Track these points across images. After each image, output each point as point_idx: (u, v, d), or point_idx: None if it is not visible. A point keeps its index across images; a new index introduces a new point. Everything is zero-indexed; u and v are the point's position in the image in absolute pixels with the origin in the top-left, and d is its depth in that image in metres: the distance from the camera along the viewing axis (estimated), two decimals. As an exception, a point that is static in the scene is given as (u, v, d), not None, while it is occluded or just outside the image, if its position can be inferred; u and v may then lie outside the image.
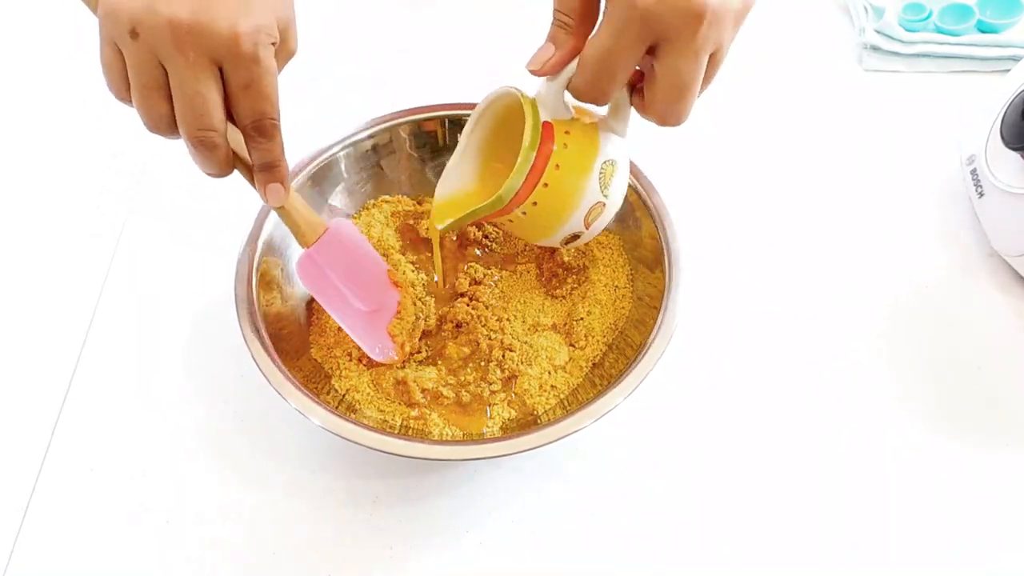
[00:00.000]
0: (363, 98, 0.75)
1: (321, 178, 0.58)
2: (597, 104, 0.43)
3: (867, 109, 0.74)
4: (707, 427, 0.55)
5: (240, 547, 0.50)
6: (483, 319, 0.56)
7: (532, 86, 0.45)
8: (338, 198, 0.60)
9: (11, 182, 0.70)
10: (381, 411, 0.52)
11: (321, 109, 0.70)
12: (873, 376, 0.56)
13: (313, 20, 0.75)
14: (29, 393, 0.57)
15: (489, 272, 0.59)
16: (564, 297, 0.58)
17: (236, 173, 0.45)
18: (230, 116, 0.42)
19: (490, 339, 0.55)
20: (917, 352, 0.58)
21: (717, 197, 0.67)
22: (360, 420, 0.49)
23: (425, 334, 0.56)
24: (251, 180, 0.46)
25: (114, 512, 0.52)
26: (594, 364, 0.54)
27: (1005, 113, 0.59)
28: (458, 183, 0.51)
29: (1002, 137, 0.59)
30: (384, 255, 0.58)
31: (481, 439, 0.50)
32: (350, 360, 0.54)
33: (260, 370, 0.48)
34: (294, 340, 0.54)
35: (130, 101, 0.41)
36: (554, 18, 0.42)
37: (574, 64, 0.42)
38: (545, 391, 0.53)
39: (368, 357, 0.54)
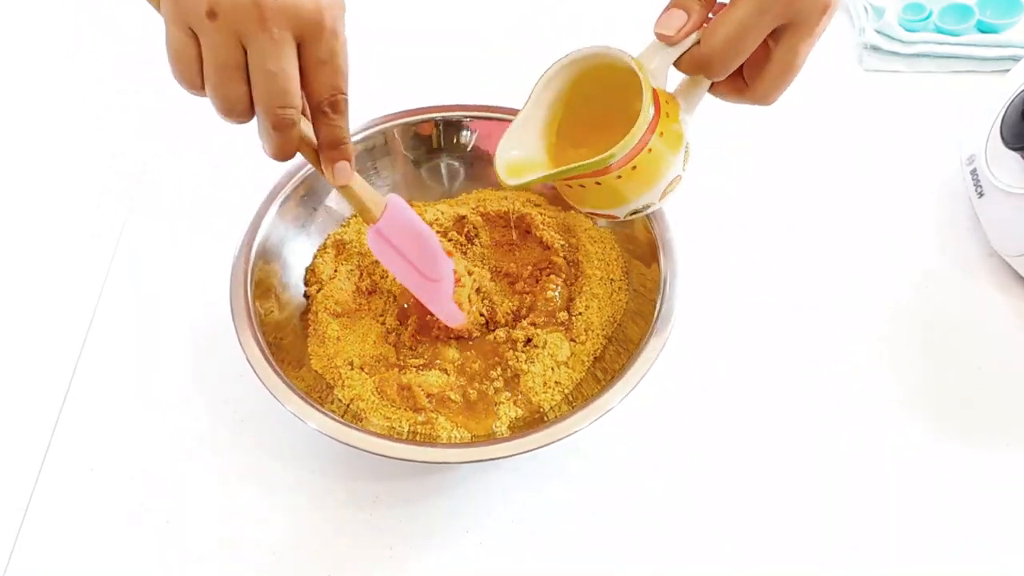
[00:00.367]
0: (359, 99, 0.74)
1: (316, 180, 0.58)
2: (714, 77, 0.44)
3: (867, 109, 0.74)
4: (707, 426, 0.55)
5: (240, 547, 0.50)
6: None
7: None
8: (334, 199, 0.60)
9: (11, 182, 0.70)
10: (387, 418, 0.52)
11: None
12: (873, 375, 0.56)
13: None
14: (29, 393, 0.57)
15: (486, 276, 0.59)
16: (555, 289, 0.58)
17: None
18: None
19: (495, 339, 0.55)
20: (917, 351, 0.58)
21: (717, 197, 0.67)
22: (362, 427, 0.49)
23: (423, 331, 0.56)
24: (314, 160, 0.46)
25: (114, 512, 0.52)
26: (595, 358, 0.55)
27: (1005, 113, 0.59)
28: (526, 141, 0.48)
29: (1002, 137, 0.59)
30: (375, 262, 0.58)
31: (478, 441, 0.50)
32: (351, 369, 0.54)
33: (258, 376, 0.48)
34: (294, 350, 0.54)
35: (200, 88, 0.40)
36: None
37: (694, 35, 0.43)
38: (549, 387, 0.53)
39: (370, 364, 0.54)
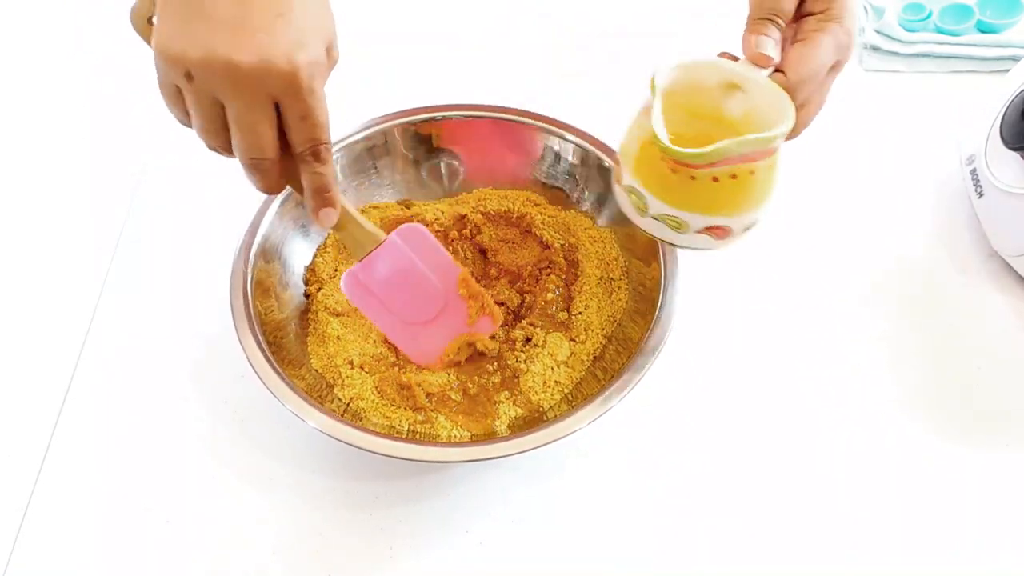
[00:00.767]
0: (360, 99, 0.75)
1: None
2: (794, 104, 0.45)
3: (867, 109, 0.74)
4: (707, 426, 0.55)
5: (240, 547, 0.50)
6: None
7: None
8: None
9: (12, 183, 0.70)
10: (387, 417, 0.52)
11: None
12: (873, 375, 0.56)
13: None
14: (29, 393, 0.57)
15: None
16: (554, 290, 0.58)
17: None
18: (283, 141, 0.42)
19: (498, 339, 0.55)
20: (917, 352, 0.58)
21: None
22: (362, 425, 0.49)
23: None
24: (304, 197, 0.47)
25: (114, 512, 0.52)
26: (595, 357, 0.55)
27: (1005, 113, 0.59)
28: (645, 128, 0.43)
29: (1002, 137, 0.59)
30: None
31: (477, 440, 0.50)
32: (351, 368, 0.54)
33: (258, 375, 0.48)
34: (294, 349, 0.54)
35: (191, 126, 0.42)
36: (766, 15, 0.45)
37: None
38: (549, 387, 0.53)
39: (369, 363, 0.54)
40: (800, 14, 0.46)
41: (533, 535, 0.51)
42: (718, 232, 0.44)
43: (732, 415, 0.55)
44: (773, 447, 0.54)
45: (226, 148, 0.42)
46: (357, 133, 0.60)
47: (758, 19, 0.46)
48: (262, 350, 0.50)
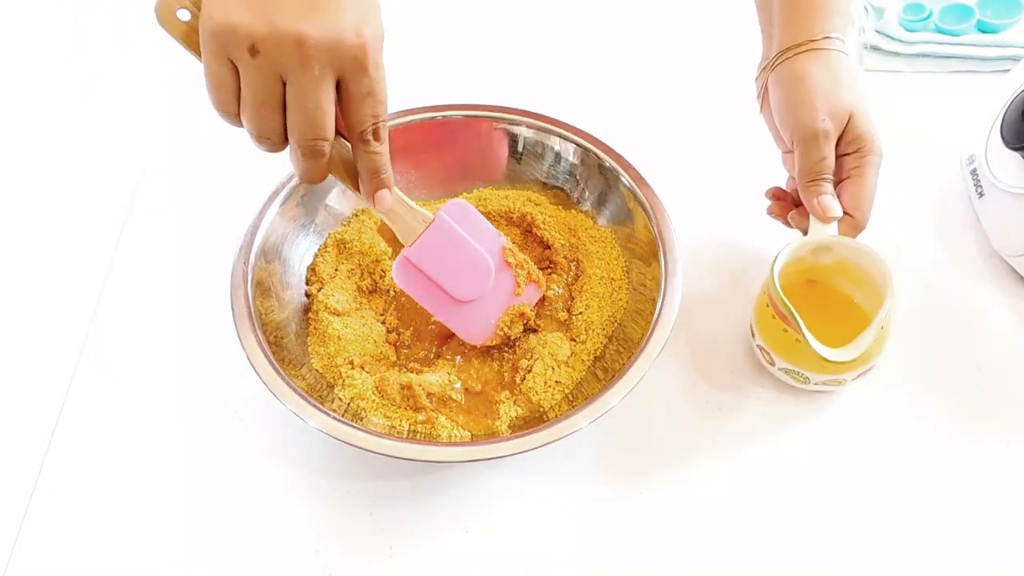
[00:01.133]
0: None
1: None
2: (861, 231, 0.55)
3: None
4: (707, 426, 0.55)
5: (240, 547, 0.50)
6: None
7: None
8: (334, 199, 0.60)
9: (12, 183, 0.70)
10: (387, 417, 0.52)
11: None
12: (872, 375, 0.56)
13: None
14: (29, 393, 0.57)
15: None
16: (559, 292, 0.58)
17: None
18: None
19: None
20: (917, 351, 0.58)
21: (716, 196, 0.67)
22: (362, 425, 0.49)
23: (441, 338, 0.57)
24: (350, 184, 0.46)
25: (114, 512, 0.52)
26: (596, 357, 0.55)
27: (1005, 113, 0.59)
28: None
29: (1002, 137, 0.59)
30: (375, 261, 0.58)
31: (478, 440, 0.50)
32: (352, 368, 0.54)
33: (258, 375, 0.48)
34: (295, 349, 0.54)
35: (236, 117, 0.40)
36: (818, 177, 0.53)
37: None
38: (550, 387, 0.53)
39: (370, 363, 0.54)
40: (837, 155, 0.53)
41: (534, 535, 0.51)
42: (839, 381, 0.53)
43: (732, 415, 0.55)
44: (773, 446, 0.54)
45: (278, 131, 0.40)
46: None
47: (812, 181, 0.53)
48: (263, 350, 0.50)
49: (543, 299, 0.57)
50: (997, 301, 0.60)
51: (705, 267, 0.61)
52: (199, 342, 0.59)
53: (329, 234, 0.60)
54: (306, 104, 0.39)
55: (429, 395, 0.52)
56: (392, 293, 0.58)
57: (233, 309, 0.51)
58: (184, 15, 0.40)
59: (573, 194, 0.62)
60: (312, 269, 0.59)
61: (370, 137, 0.42)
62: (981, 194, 0.62)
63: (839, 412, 0.55)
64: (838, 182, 0.54)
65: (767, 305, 0.52)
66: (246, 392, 0.55)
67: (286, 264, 0.57)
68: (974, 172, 0.63)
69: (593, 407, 0.47)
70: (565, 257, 0.59)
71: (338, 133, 0.44)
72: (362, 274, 0.59)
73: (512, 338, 0.55)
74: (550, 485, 0.52)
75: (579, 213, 0.61)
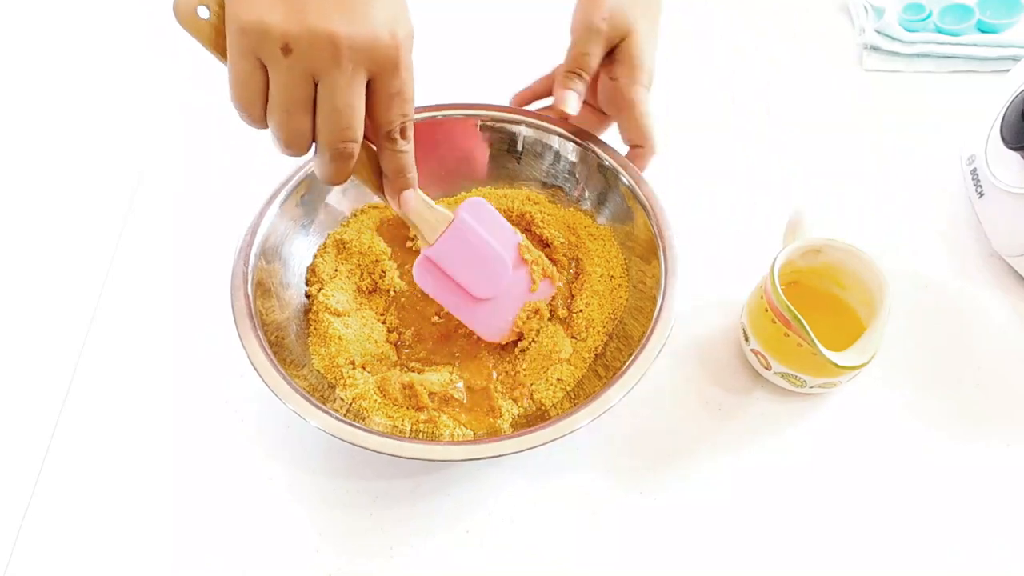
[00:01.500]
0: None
1: (316, 180, 0.58)
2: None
3: (867, 109, 0.74)
4: (708, 426, 0.55)
5: (240, 547, 0.50)
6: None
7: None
8: (334, 199, 0.60)
9: (12, 184, 0.70)
10: (389, 416, 0.52)
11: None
12: (872, 375, 0.56)
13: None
14: (29, 393, 0.57)
15: None
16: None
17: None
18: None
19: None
20: (917, 352, 0.58)
21: (716, 195, 0.67)
22: (363, 425, 0.49)
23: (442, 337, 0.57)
24: (372, 185, 0.46)
25: (114, 512, 0.52)
26: (597, 355, 0.55)
27: (1005, 113, 0.59)
28: None
29: (1002, 137, 0.59)
30: (375, 261, 0.58)
31: (480, 439, 0.50)
32: (353, 368, 0.54)
33: (259, 374, 0.48)
34: (296, 349, 0.54)
35: (262, 121, 0.39)
36: (578, 69, 0.55)
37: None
38: (551, 385, 0.53)
39: (371, 363, 0.54)
40: (609, 76, 0.56)
41: (534, 534, 0.51)
42: (832, 383, 0.53)
43: (732, 414, 0.55)
44: (773, 446, 0.54)
45: (306, 133, 0.40)
46: None
47: (568, 73, 0.55)
48: (263, 349, 0.49)
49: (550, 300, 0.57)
50: (997, 301, 0.60)
51: (705, 266, 0.61)
52: (199, 342, 0.59)
53: (329, 234, 0.60)
54: (337, 104, 0.38)
55: (431, 394, 0.52)
56: (392, 293, 0.58)
57: (234, 309, 0.51)
58: (204, 13, 0.39)
59: (573, 192, 0.62)
60: (312, 269, 0.59)
61: (397, 136, 0.42)
62: (981, 194, 0.62)
63: (840, 412, 0.55)
64: (618, 113, 0.57)
65: (765, 310, 0.52)
66: (247, 392, 0.55)
67: (285, 264, 0.57)
68: (974, 172, 0.63)
69: (594, 405, 0.47)
70: (565, 255, 0.59)
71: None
72: (362, 274, 0.58)
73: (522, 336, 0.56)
74: (550, 484, 0.52)
75: (578, 211, 0.61)
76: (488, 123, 0.61)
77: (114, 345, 0.59)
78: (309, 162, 0.58)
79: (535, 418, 0.52)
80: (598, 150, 0.59)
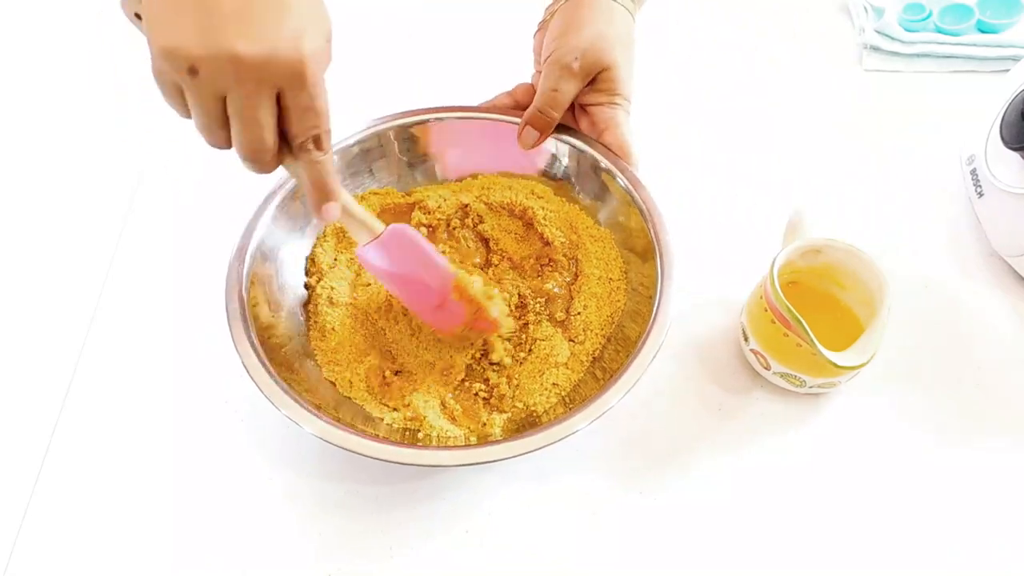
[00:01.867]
0: (355, 101, 0.75)
1: None
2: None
3: (867, 109, 0.74)
4: (705, 425, 0.55)
5: (240, 548, 0.50)
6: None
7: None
8: None
9: (12, 185, 0.70)
10: (378, 409, 0.52)
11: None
12: (872, 375, 0.56)
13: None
14: (29, 393, 0.57)
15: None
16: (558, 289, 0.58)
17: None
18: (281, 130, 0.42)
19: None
20: (917, 351, 0.58)
21: (715, 195, 0.67)
22: (359, 430, 0.49)
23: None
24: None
25: (114, 512, 0.52)
26: (594, 358, 0.55)
27: (1005, 113, 0.59)
28: None
29: (1002, 137, 0.59)
30: None
31: (473, 445, 0.50)
32: (353, 362, 0.54)
33: (253, 380, 0.48)
34: (294, 349, 0.54)
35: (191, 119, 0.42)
36: (549, 107, 0.57)
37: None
38: (547, 390, 0.53)
39: (367, 356, 0.54)
40: (589, 103, 0.58)
41: (533, 536, 0.51)
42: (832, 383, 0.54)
43: (731, 415, 0.55)
44: (772, 447, 0.54)
45: (224, 143, 0.42)
46: (351, 136, 0.60)
47: (540, 112, 0.57)
48: (257, 353, 0.49)
49: (548, 298, 0.57)
50: (997, 301, 0.60)
51: (705, 266, 0.61)
52: (199, 342, 0.59)
53: (326, 224, 0.60)
54: (244, 118, 0.40)
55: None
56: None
57: (228, 312, 0.51)
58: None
59: (574, 189, 0.62)
60: (311, 259, 0.59)
61: (311, 147, 0.43)
62: (981, 194, 0.62)
63: (839, 412, 0.55)
64: (600, 134, 0.58)
65: (765, 310, 0.52)
66: (246, 392, 0.55)
67: (282, 266, 0.57)
68: (974, 172, 0.63)
69: (590, 409, 0.47)
70: (564, 255, 0.59)
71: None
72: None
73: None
74: (549, 486, 0.52)
75: (581, 209, 0.61)
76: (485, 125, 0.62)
77: (114, 345, 0.59)
78: None
79: (525, 423, 0.51)
80: (595, 153, 0.59)
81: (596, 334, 0.55)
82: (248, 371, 0.49)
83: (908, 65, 0.77)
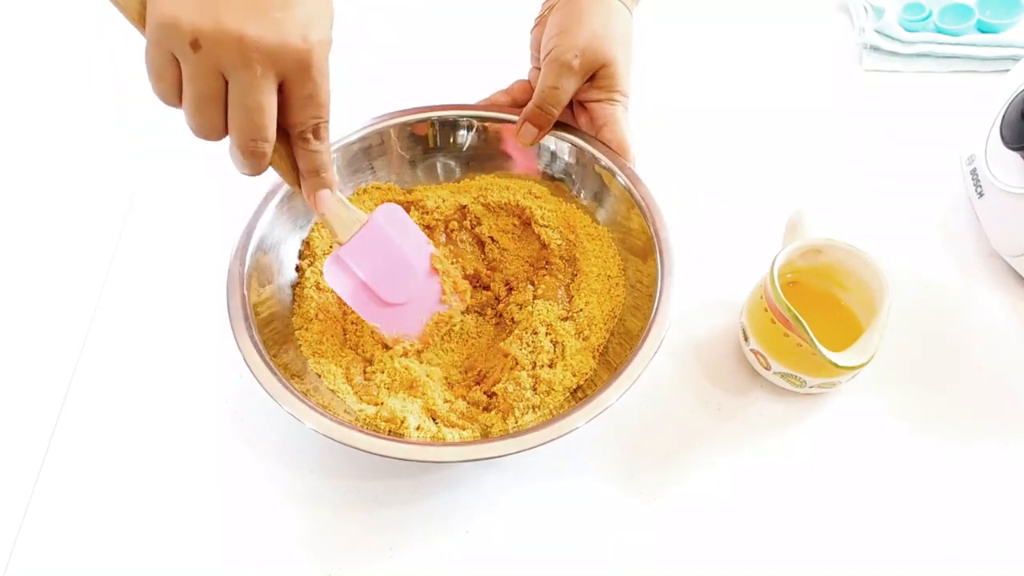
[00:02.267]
0: (355, 100, 0.75)
1: None
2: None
3: (867, 109, 0.74)
4: (707, 425, 0.55)
5: (240, 547, 0.50)
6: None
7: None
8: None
9: (12, 186, 0.70)
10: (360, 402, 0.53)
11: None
12: (872, 375, 0.56)
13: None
14: (29, 393, 0.57)
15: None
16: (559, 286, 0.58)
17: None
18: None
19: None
20: (917, 352, 0.58)
21: (714, 195, 0.67)
22: (359, 427, 0.49)
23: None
24: (290, 179, 0.47)
25: (114, 512, 0.52)
26: (601, 352, 0.55)
27: (1005, 113, 0.59)
28: None
29: (1002, 137, 0.59)
30: None
31: (474, 440, 0.50)
32: (341, 350, 0.55)
33: (256, 377, 0.49)
34: (293, 351, 0.54)
35: (177, 105, 0.41)
36: (549, 104, 0.57)
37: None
38: (551, 385, 0.53)
39: (352, 345, 0.55)
40: (589, 99, 0.58)
41: (533, 534, 0.51)
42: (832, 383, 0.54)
43: (732, 414, 0.55)
44: (772, 447, 0.54)
45: (218, 128, 0.41)
46: (353, 134, 0.60)
47: (540, 108, 0.57)
48: (259, 352, 0.49)
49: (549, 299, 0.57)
50: (997, 301, 0.60)
51: (705, 266, 0.61)
52: (198, 342, 0.59)
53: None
54: (247, 103, 0.39)
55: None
56: None
57: (229, 311, 0.51)
58: None
59: (573, 187, 0.62)
60: (307, 243, 0.59)
61: (310, 136, 0.43)
62: (981, 194, 0.62)
63: (839, 412, 0.55)
64: (598, 130, 0.58)
65: (765, 310, 0.52)
66: (246, 392, 0.55)
67: (282, 265, 0.57)
68: (974, 172, 0.63)
69: (591, 406, 0.47)
70: (561, 257, 0.59)
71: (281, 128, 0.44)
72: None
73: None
74: (549, 484, 0.52)
75: (579, 207, 0.61)
76: (486, 123, 0.62)
77: (114, 345, 0.59)
78: None
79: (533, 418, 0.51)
80: (594, 151, 0.59)
81: (600, 328, 0.55)
82: (251, 370, 0.49)
83: (908, 65, 0.77)
